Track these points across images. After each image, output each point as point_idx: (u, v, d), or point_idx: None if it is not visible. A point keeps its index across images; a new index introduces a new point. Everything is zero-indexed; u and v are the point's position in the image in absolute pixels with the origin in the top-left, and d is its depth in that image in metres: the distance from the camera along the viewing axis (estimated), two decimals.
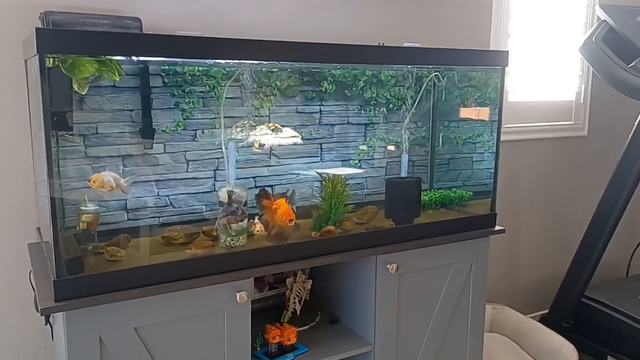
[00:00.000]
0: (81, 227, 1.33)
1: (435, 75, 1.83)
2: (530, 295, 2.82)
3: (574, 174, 2.84)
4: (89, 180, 1.24)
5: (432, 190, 1.94)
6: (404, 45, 1.56)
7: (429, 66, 1.78)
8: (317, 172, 1.75)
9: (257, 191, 1.57)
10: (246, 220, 1.45)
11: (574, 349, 2.20)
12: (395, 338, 1.64)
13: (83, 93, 1.31)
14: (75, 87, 1.26)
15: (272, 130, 1.68)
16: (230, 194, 1.46)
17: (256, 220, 1.47)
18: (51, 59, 1.13)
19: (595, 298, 2.55)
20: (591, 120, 2.80)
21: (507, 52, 1.72)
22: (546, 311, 2.72)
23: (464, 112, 1.93)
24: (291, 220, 1.46)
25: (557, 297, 2.65)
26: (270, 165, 1.74)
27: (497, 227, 1.78)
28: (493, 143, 1.81)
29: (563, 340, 2.24)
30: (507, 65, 1.72)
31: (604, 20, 2.34)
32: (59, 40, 1.10)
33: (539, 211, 2.76)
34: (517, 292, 2.77)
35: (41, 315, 1.17)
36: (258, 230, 1.44)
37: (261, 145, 1.65)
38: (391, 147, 1.91)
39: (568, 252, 2.68)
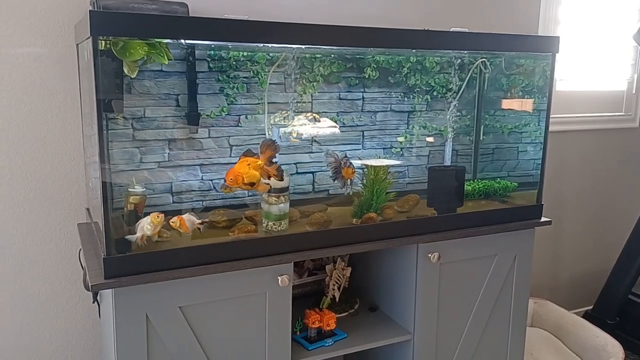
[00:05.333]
0: (129, 208, 1.37)
1: (481, 61, 1.79)
2: (573, 290, 2.75)
3: (623, 166, 2.73)
4: (171, 224, 1.32)
5: (475, 180, 1.90)
6: (451, 30, 1.53)
7: (476, 52, 1.74)
8: (360, 160, 1.74)
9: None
10: (288, 203, 1.46)
11: (620, 346, 2.13)
12: (435, 328, 1.63)
13: (133, 76, 1.34)
14: (125, 70, 1.29)
15: (314, 117, 1.68)
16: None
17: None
18: (103, 42, 1.16)
19: None
20: None
21: (558, 37, 1.66)
22: (590, 307, 2.64)
23: (511, 101, 1.88)
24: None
25: (602, 293, 2.57)
26: (312, 152, 1.74)
27: (543, 219, 1.74)
28: (540, 133, 1.75)
29: (608, 337, 2.17)
30: (557, 52, 1.66)
31: None
32: (112, 22, 1.12)
33: (585, 204, 2.67)
34: (559, 287, 2.70)
35: (91, 291, 1.21)
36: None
37: (300, 134, 1.64)
38: (434, 136, 1.88)
39: (614, 248, 2.59)
